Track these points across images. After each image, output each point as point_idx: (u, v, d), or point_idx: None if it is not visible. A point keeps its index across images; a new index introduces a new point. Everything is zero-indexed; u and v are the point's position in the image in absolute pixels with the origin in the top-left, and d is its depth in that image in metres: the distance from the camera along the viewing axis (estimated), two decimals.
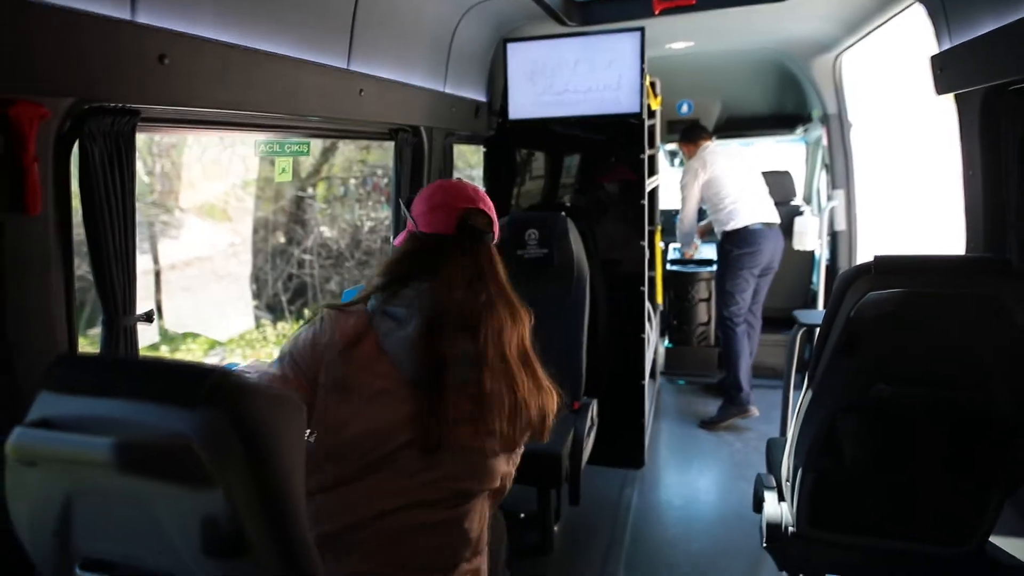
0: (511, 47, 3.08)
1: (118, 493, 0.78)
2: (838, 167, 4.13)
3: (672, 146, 4.75)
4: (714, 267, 4.12)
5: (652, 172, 3.52)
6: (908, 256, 1.52)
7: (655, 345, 3.92)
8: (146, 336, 1.46)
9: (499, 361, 1.20)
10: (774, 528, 1.78)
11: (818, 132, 4.37)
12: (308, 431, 1.20)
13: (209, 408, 0.76)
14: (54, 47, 1.13)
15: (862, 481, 1.65)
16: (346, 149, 5.39)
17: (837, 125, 4.10)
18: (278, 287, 5.07)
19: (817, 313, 2.62)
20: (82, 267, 1.35)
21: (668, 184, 4.75)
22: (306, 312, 5.06)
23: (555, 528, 2.61)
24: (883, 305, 1.44)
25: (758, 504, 1.89)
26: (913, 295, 1.44)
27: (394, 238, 2.33)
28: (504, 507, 1.35)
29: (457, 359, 1.19)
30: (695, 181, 3.79)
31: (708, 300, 4.40)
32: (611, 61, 2.97)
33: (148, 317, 1.41)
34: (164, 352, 4.09)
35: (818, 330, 1.68)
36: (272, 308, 5.00)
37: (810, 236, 4.04)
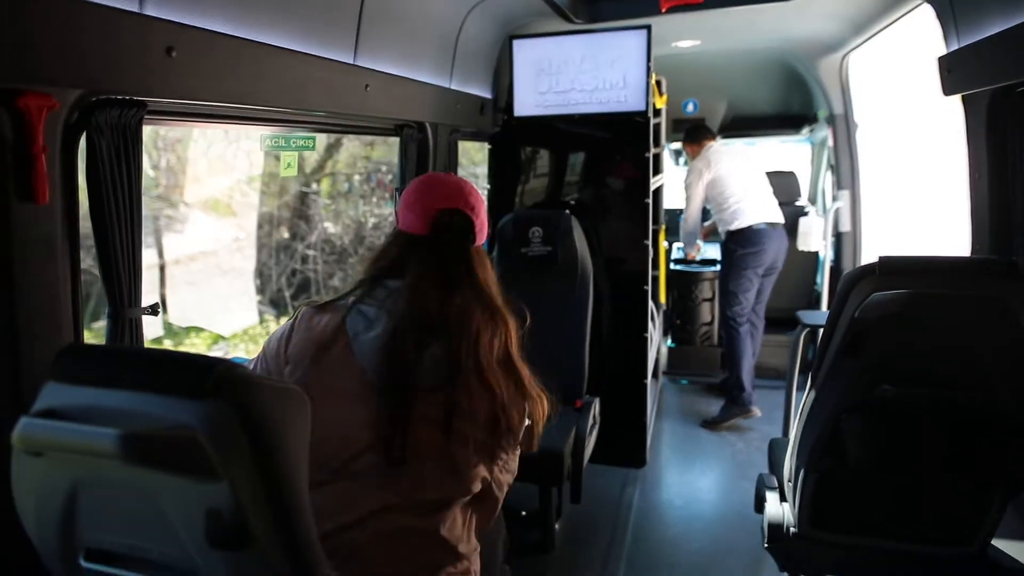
0: (517, 44, 3.07)
1: (123, 484, 0.79)
2: (844, 168, 4.12)
3: (677, 145, 4.74)
4: (718, 267, 4.12)
5: (657, 171, 3.52)
6: (913, 257, 1.52)
7: (658, 344, 3.92)
8: (150, 330, 1.46)
9: (474, 367, 1.15)
10: (776, 528, 1.77)
11: (824, 132, 4.36)
12: None
13: (215, 400, 0.76)
14: (63, 38, 1.13)
15: (865, 482, 1.65)
16: (351, 145, 5.39)
17: (843, 126, 4.09)
18: (282, 282, 5.08)
19: (821, 314, 2.62)
20: (87, 260, 1.36)
21: (673, 183, 4.74)
22: None
23: (556, 526, 2.61)
24: (887, 306, 1.44)
25: (760, 504, 1.89)
26: (918, 296, 1.43)
27: None
28: (505, 505, 1.34)
29: (425, 364, 1.15)
30: (699, 181, 3.79)
31: (711, 300, 4.39)
32: (617, 59, 2.97)
33: (153, 309, 1.41)
34: (168, 346, 4.10)
35: (822, 331, 1.68)
36: (276, 303, 5.01)
37: (815, 237, 4.03)
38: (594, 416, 2.61)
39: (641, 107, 2.98)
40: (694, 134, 3.93)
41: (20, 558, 1.06)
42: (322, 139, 4.59)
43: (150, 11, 1.30)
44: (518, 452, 1.30)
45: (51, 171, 1.18)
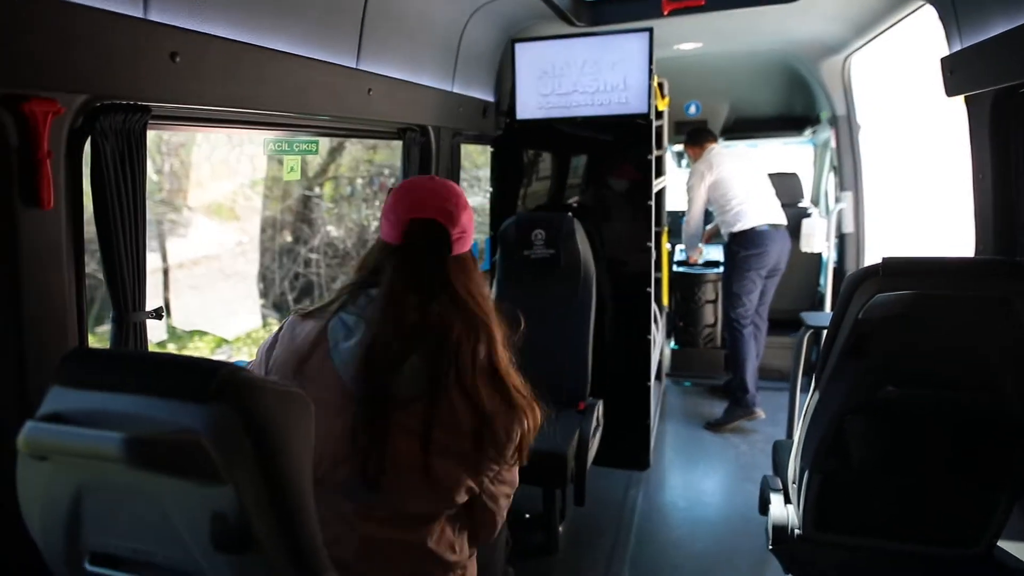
0: (519, 47, 3.08)
1: (128, 488, 0.79)
2: (846, 169, 4.12)
3: (679, 147, 4.74)
4: (721, 269, 4.12)
5: (659, 173, 3.52)
6: (916, 258, 1.51)
7: (661, 346, 3.91)
8: (154, 334, 1.47)
9: (456, 378, 1.12)
10: (780, 530, 1.77)
11: (826, 134, 4.35)
12: None
13: (218, 404, 0.76)
14: (68, 44, 1.14)
15: (869, 483, 1.65)
16: (353, 149, 5.40)
17: (846, 127, 4.09)
18: (285, 286, 5.08)
19: (824, 315, 2.61)
20: (91, 264, 1.36)
21: (675, 185, 4.74)
22: None
23: (560, 528, 2.61)
24: (891, 307, 1.44)
25: (764, 506, 1.89)
26: (921, 297, 1.43)
27: None
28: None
29: (405, 374, 1.12)
30: (701, 183, 3.79)
31: (715, 302, 4.38)
32: (619, 62, 2.97)
33: (158, 313, 1.42)
34: (171, 350, 4.11)
35: (825, 332, 1.68)
36: (279, 307, 5.02)
37: (818, 238, 4.03)
38: (597, 418, 2.61)
39: (643, 109, 2.98)
40: (695, 137, 3.93)
41: (25, 562, 1.06)
42: (325, 143, 4.60)
43: (154, 16, 1.31)
44: (515, 464, 1.26)
45: (56, 176, 1.19)
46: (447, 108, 2.73)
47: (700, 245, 4.27)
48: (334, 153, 5.30)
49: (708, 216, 4.08)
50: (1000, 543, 1.61)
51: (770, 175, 3.92)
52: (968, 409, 1.48)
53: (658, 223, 3.39)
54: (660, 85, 3.71)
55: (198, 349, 4.37)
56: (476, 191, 4.90)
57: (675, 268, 4.48)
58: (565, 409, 2.56)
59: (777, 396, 3.77)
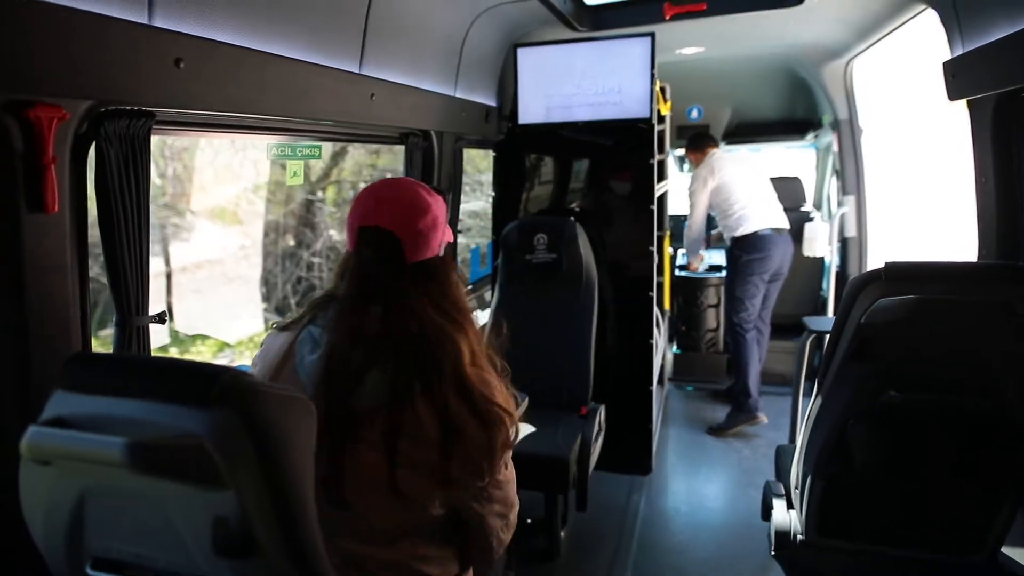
0: (521, 52, 3.09)
1: (130, 492, 0.79)
2: (848, 173, 4.11)
3: (681, 152, 4.74)
4: (723, 273, 4.11)
5: (661, 177, 3.52)
6: (919, 262, 1.51)
7: (663, 351, 3.91)
8: (157, 337, 1.47)
9: (419, 389, 1.08)
10: (783, 536, 1.76)
11: (828, 138, 4.35)
12: None
13: (221, 408, 0.76)
14: (73, 50, 1.14)
15: (872, 488, 1.64)
16: (356, 153, 5.41)
17: (848, 131, 4.09)
18: (287, 290, 5.09)
19: (827, 320, 2.61)
20: (94, 268, 1.36)
21: (677, 190, 4.74)
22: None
23: (562, 533, 2.60)
24: (894, 311, 1.43)
25: (766, 511, 1.88)
26: (924, 302, 1.43)
27: None
28: None
29: (366, 387, 1.09)
30: (703, 188, 3.79)
31: (717, 306, 4.38)
32: (621, 66, 2.98)
33: (161, 318, 1.42)
34: (174, 354, 4.11)
35: (828, 336, 1.67)
36: (281, 311, 5.02)
37: (820, 242, 4.02)
38: (599, 423, 2.61)
39: (645, 114, 2.99)
40: (696, 142, 3.93)
41: (27, 566, 1.06)
42: (328, 147, 4.61)
43: (159, 23, 1.31)
44: (506, 482, 1.23)
45: (60, 181, 1.19)
46: (449, 113, 2.73)
47: (701, 252, 4.27)
48: (337, 157, 5.32)
49: (710, 221, 4.08)
50: (1004, 549, 1.61)
51: (772, 179, 3.91)
52: (971, 414, 1.48)
53: (660, 227, 3.39)
54: (662, 89, 3.71)
55: (200, 353, 4.37)
56: (478, 195, 4.91)
57: (677, 272, 4.48)
58: (567, 413, 2.56)
59: (779, 401, 3.77)
